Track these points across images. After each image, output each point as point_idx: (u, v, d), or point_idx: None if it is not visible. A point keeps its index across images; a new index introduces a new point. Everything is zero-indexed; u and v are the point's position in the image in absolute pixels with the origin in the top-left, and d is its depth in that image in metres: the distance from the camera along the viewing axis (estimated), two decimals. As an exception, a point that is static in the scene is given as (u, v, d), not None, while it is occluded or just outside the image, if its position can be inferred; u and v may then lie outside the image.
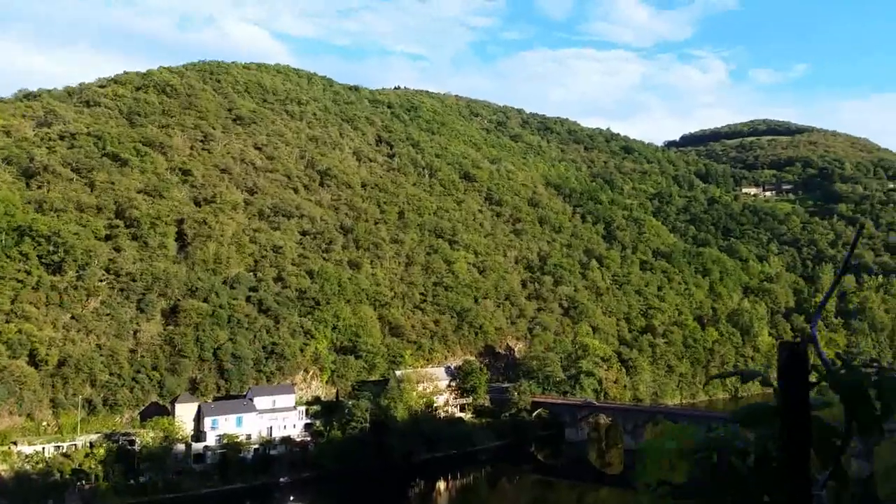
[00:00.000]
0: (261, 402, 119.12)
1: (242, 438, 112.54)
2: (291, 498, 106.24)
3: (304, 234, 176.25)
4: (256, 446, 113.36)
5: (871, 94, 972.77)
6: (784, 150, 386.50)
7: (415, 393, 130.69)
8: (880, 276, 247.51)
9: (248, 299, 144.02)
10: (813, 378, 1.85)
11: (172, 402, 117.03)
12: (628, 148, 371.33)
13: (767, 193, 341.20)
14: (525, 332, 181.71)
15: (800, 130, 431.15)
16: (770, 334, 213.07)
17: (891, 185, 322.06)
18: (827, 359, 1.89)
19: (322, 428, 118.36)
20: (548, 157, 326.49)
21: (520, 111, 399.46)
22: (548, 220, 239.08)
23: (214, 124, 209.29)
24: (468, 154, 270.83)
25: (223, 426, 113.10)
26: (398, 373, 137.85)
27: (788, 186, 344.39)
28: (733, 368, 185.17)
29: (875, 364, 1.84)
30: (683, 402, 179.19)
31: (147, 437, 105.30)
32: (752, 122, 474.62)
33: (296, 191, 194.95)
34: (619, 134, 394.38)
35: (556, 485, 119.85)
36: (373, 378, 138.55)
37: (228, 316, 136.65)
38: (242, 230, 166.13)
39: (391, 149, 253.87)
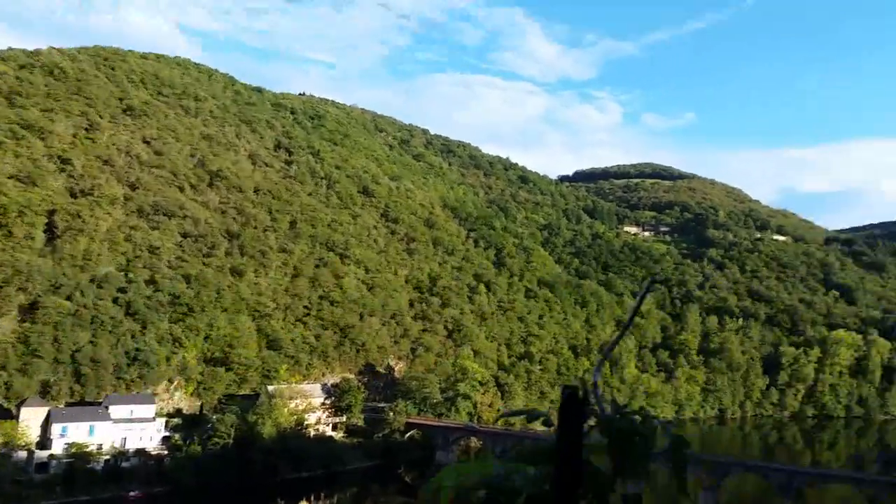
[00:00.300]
0: (117, 410, 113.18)
1: (93, 448, 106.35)
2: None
3: (185, 235, 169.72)
4: (108, 457, 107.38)
5: (747, 148, 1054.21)
6: (665, 194, 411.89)
7: (286, 409, 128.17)
8: (740, 320, 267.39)
9: (115, 300, 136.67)
10: (593, 422, 1.91)
11: (18, 406, 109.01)
12: (525, 178, 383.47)
13: (646, 233, 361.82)
14: (408, 351, 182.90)
15: (682, 176, 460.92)
16: (637, 367, 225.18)
17: (757, 235, 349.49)
18: (602, 405, 1.94)
19: (181, 441, 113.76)
20: (448, 180, 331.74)
21: (425, 131, 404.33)
22: (441, 242, 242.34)
23: (102, 113, 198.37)
24: (369, 168, 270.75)
25: (73, 434, 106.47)
26: (270, 388, 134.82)
27: (666, 228, 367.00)
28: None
29: (643, 411, 1.92)
30: (552, 428, 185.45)
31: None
32: (639, 164, 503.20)
33: (181, 189, 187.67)
34: (517, 164, 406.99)
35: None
36: (242, 392, 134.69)
37: (92, 317, 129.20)
38: (118, 226, 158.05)
39: (290, 155, 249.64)
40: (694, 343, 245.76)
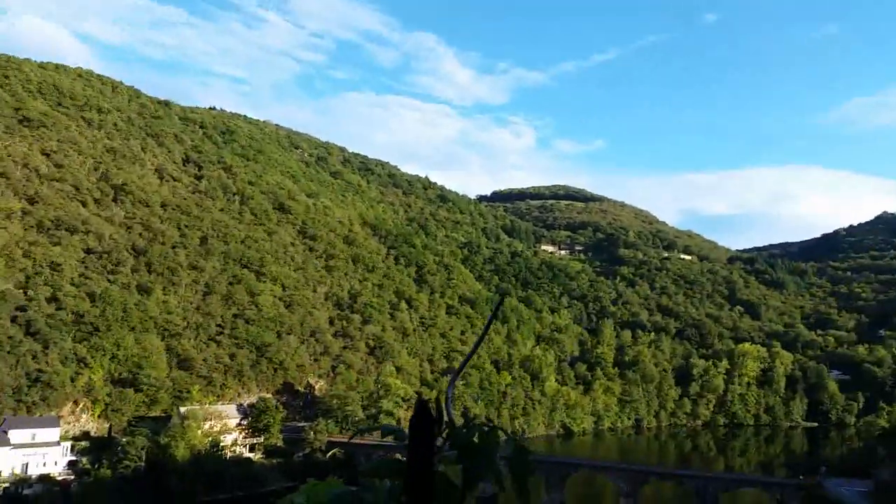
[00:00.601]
0: (17, 435, 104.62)
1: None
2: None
3: (88, 252, 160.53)
4: (7, 485, 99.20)
5: (653, 173, 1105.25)
6: (578, 215, 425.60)
7: (199, 431, 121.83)
8: (652, 333, 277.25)
9: (13, 319, 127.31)
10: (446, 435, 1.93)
11: None
12: (444, 197, 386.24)
13: (562, 252, 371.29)
14: (328, 369, 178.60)
15: (593, 198, 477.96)
16: (556, 380, 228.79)
17: (665, 254, 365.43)
18: (453, 417, 1.97)
19: (89, 465, 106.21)
20: (367, 198, 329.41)
21: (342, 149, 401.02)
22: (361, 259, 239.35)
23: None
24: (285, 185, 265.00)
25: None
26: (182, 409, 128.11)
27: (580, 247, 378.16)
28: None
29: (489, 423, 1.97)
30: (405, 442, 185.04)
31: None
32: (553, 186, 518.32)
33: (84, 204, 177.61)
34: (436, 183, 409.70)
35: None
36: (153, 414, 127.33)
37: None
38: (16, 242, 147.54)
39: (200, 170, 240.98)
40: (610, 356, 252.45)
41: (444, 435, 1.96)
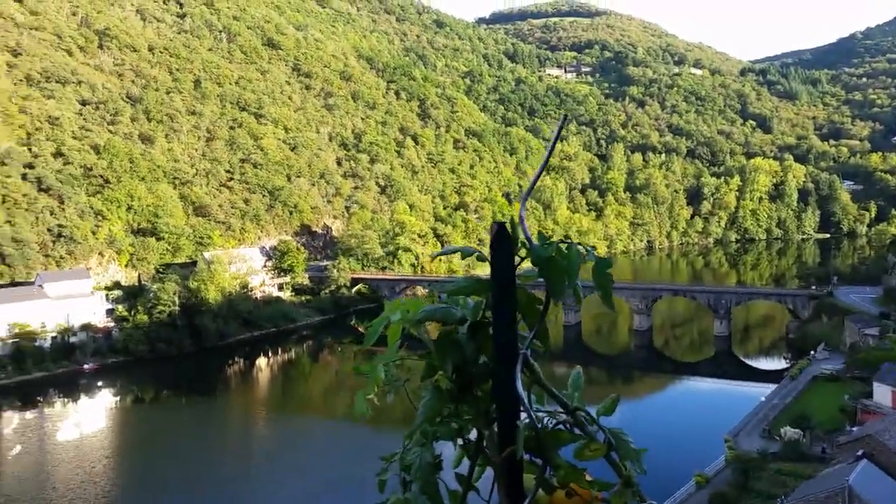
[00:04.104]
0: (52, 288, 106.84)
1: (36, 327, 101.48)
2: (100, 383, 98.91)
3: (84, 103, 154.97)
4: (54, 334, 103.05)
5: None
6: (584, 33, 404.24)
7: (227, 274, 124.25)
8: (663, 155, 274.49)
9: (24, 177, 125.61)
10: (523, 254, 2.04)
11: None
12: (440, 22, 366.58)
13: (568, 75, 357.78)
14: (342, 210, 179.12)
15: (599, 13, 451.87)
16: (568, 208, 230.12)
17: (676, 70, 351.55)
18: (529, 236, 2.05)
19: (126, 312, 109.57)
20: (358, 27, 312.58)
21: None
22: (361, 96, 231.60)
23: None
24: (271, 18, 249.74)
25: (12, 315, 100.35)
26: (206, 254, 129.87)
27: (587, 69, 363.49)
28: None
29: (567, 239, 2.05)
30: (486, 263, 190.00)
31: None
32: (556, 1, 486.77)
33: (70, 53, 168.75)
34: (430, 6, 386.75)
35: (375, 353, 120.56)
36: (178, 261, 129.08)
37: (3, 196, 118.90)
38: (9, 98, 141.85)
39: (181, 8, 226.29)
40: (620, 181, 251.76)
41: (520, 254, 2.04)
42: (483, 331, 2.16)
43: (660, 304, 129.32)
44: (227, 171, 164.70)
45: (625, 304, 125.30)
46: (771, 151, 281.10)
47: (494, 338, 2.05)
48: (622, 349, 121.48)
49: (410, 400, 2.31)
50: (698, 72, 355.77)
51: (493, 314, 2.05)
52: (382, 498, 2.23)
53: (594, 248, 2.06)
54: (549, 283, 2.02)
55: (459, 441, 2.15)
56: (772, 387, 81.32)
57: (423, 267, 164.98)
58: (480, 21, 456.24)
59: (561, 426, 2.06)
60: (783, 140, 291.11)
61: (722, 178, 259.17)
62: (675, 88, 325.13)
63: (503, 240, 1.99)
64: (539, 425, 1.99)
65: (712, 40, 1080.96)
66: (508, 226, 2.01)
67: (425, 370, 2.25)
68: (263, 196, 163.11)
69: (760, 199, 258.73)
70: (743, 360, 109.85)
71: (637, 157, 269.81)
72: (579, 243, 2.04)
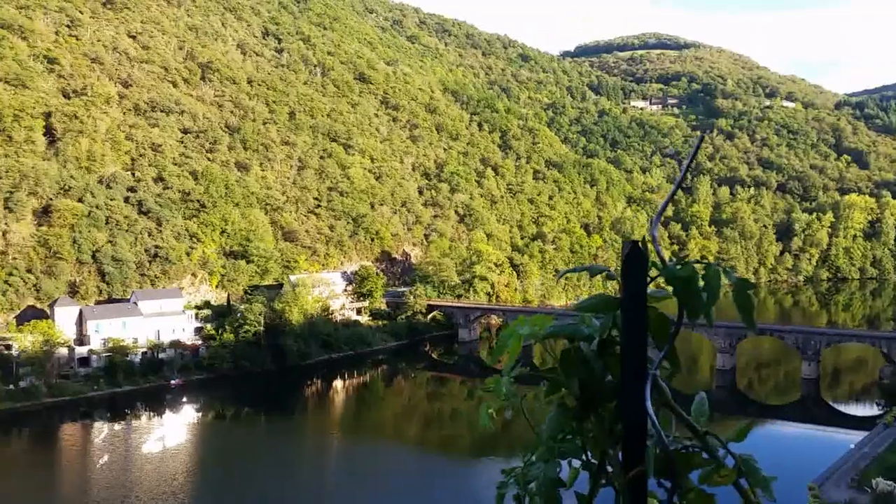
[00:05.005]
0: (146, 305, 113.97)
1: (129, 342, 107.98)
2: (184, 398, 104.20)
3: (185, 132, 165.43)
4: (144, 350, 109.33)
5: (749, 9, 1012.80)
6: (672, 65, 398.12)
7: (310, 297, 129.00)
8: (752, 189, 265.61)
9: (126, 200, 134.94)
10: (653, 273, 2.04)
11: (51, 306, 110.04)
12: (525, 56, 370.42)
13: (654, 107, 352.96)
14: (421, 238, 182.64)
15: (687, 45, 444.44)
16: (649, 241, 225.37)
17: (767, 103, 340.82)
18: (663, 255, 2.04)
19: (213, 331, 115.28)
20: (445, 62, 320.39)
21: (417, 10, 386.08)
22: (445, 127, 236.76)
23: (82, 8, 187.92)
24: (363, 53, 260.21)
25: (107, 330, 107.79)
26: (292, 277, 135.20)
27: (674, 101, 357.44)
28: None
29: (704, 260, 2.00)
30: (568, 302, 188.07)
31: (25, 341, 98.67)
32: (642, 35, 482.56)
33: (174, 85, 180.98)
34: (516, 41, 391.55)
35: (448, 380, 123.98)
36: (266, 283, 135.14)
37: (106, 217, 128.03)
38: (117, 126, 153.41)
39: (279, 43, 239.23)
40: (706, 214, 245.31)
41: (650, 274, 2.03)
42: (610, 349, 2.12)
43: (745, 344, 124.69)
44: (316, 199, 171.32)
45: (707, 341, 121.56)
46: (867, 188, 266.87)
47: (623, 357, 2.02)
48: (703, 388, 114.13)
49: (527, 417, 2.28)
50: (791, 105, 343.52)
51: (624, 333, 2.01)
52: None
53: (734, 268, 2.00)
54: (685, 303, 1.96)
55: (578, 460, 2.14)
56: (862, 434, 77.12)
57: (497, 296, 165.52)
58: (565, 54, 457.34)
59: (685, 450, 2.02)
60: (881, 176, 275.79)
61: (814, 215, 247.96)
62: (766, 121, 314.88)
63: (637, 258, 1.95)
64: (671, 447, 1.98)
65: (805, 73, 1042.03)
66: (640, 244, 1.97)
67: (549, 387, 2.21)
68: (348, 223, 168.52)
69: (855, 236, 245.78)
70: (831, 404, 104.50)
71: (724, 190, 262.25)
72: (717, 263, 1.97)
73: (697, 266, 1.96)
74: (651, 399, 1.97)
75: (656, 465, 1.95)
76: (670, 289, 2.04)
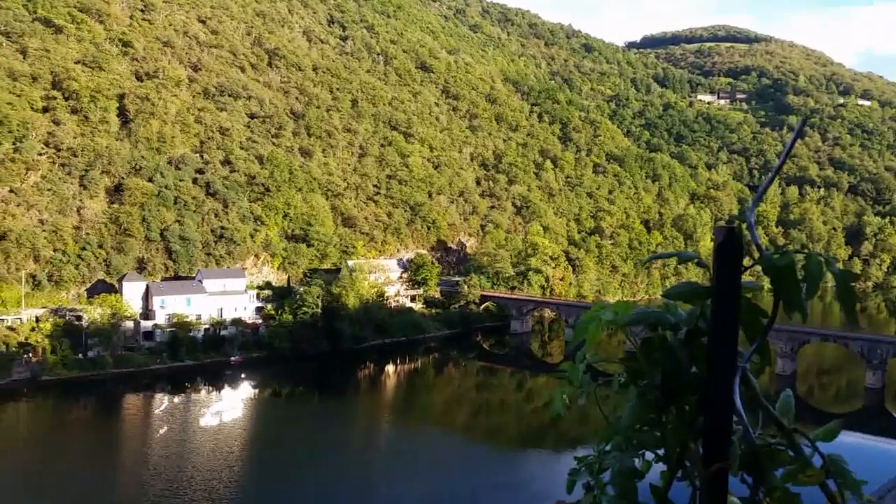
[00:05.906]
0: (210, 284, 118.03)
1: (192, 318, 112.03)
2: (243, 375, 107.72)
3: (252, 116, 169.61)
4: (207, 326, 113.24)
5: (826, 7, 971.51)
6: (741, 59, 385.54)
7: (366, 282, 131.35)
8: (822, 189, 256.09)
9: (194, 181, 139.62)
10: (747, 262, 1.91)
11: (120, 281, 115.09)
12: (589, 46, 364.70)
13: (721, 102, 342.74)
14: (477, 228, 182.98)
15: (758, 39, 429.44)
16: (711, 240, 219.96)
17: (840, 101, 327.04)
18: (760, 243, 1.92)
19: (273, 311, 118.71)
20: (507, 52, 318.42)
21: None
22: (504, 118, 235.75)
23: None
24: (425, 42, 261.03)
25: (172, 306, 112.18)
26: (350, 262, 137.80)
27: (742, 96, 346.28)
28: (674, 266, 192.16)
29: (804, 249, 1.90)
30: (625, 299, 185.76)
31: (94, 313, 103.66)
32: (712, 27, 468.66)
33: (242, 70, 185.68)
34: (580, 31, 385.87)
35: (499, 371, 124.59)
36: (324, 266, 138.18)
37: (175, 197, 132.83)
38: (187, 109, 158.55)
39: (344, 31, 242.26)
40: (773, 214, 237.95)
41: (745, 262, 1.90)
42: (697, 339, 2.03)
43: (807, 349, 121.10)
44: (375, 186, 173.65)
45: (769, 345, 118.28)
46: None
47: (712, 348, 1.92)
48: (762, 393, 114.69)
49: (600, 407, 2.23)
50: (866, 103, 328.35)
51: (713, 323, 1.91)
52: (570, 498, 2.20)
53: (835, 258, 1.90)
54: (783, 294, 1.85)
55: (654, 452, 2.08)
56: (928, 450, 74.21)
57: (552, 290, 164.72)
58: (630, 45, 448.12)
59: (769, 447, 1.94)
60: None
61: (887, 218, 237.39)
62: (839, 120, 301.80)
63: (731, 245, 1.83)
64: (758, 443, 1.91)
65: (883, 70, 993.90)
66: (736, 230, 1.85)
67: (628, 376, 2.13)
68: (405, 211, 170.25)
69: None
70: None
71: (792, 189, 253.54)
72: (819, 253, 1.86)
73: (797, 255, 1.86)
74: (738, 393, 1.90)
75: (741, 459, 1.91)
76: (765, 279, 1.92)
